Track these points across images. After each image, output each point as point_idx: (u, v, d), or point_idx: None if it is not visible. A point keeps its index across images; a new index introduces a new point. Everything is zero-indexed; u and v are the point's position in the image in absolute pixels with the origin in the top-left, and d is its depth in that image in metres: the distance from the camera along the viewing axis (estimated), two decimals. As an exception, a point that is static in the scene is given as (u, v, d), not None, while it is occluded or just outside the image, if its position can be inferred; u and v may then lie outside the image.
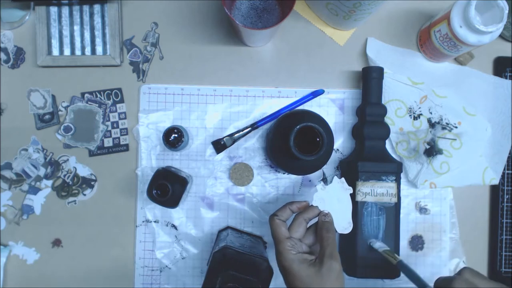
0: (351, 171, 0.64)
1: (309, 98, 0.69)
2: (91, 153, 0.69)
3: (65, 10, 0.67)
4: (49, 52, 0.67)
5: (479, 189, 0.70)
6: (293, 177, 0.69)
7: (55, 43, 0.67)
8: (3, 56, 0.69)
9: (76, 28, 0.68)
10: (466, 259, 0.69)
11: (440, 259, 0.69)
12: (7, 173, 0.68)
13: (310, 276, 0.49)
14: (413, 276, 0.54)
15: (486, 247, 0.70)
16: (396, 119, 0.69)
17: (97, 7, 0.67)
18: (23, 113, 0.68)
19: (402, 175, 0.67)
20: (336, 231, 0.55)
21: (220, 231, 0.68)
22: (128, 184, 0.69)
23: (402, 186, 0.67)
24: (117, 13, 0.67)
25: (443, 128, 0.68)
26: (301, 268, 0.49)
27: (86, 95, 0.69)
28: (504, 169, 0.69)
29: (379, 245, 0.61)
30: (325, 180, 0.69)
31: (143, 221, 0.68)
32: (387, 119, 0.68)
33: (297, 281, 0.49)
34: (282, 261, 0.51)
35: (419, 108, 0.69)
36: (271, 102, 0.69)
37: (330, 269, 0.49)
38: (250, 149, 0.69)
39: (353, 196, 0.62)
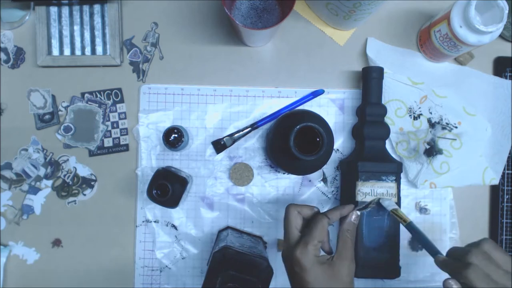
0: (351, 171, 0.64)
1: (309, 98, 0.69)
2: (91, 153, 0.69)
3: (65, 10, 0.67)
4: (49, 52, 0.67)
5: (479, 189, 0.70)
6: (293, 177, 0.69)
7: (55, 43, 0.67)
8: (3, 56, 0.69)
9: (76, 28, 0.68)
10: (466, 259, 0.69)
11: (440, 259, 0.69)
12: (7, 173, 0.68)
13: (327, 278, 0.50)
14: (423, 241, 0.52)
15: (486, 247, 0.70)
16: (396, 119, 0.69)
17: (97, 7, 0.67)
18: (23, 113, 0.68)
19: (402, 175, 0.67)
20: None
21: (220, 231, 0.68)
22: (128, 184, 0.69)
23: (402, 186, 0.67)
24: (117, 13, 0.67)
25: (443, 128, 0.68)
26: (321, 269, 0.50)
27: (86, 95, 0.69)
28: (504, 169, 0.69)
29: (388, 203, 0.59)
30: (325, 180, 0.70)
31: (143, 221, 0.68)
32: (387, 119, 0.68)
33: (313, 281, 0.49)
34: (303, 260, 0.50)
35: (419, 108, 0.69)
36: (271, 102, 0.69)
37: (349, 273, 0.50)
38: (250, 149, 0.69)
39: (353, 196, 0.62)
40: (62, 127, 0.68)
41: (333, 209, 0.55)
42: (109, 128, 0.69)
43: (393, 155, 0.68)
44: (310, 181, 0.70)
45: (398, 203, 0.63)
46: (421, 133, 0.68)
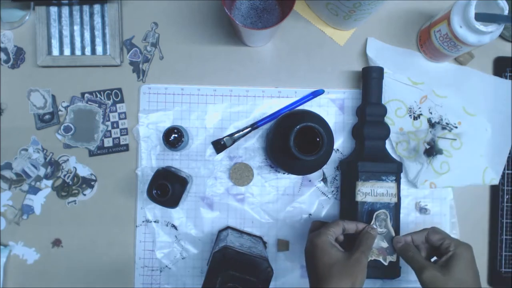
0: (351, 171, 0.64)
1: (309, 98, 0.69)
2: (91, 153, 0.69)
3: (65, 10, 0.67)
4: (49, 52, 0.67)
5: (479, 189, 0.70)
6: (293, 177, 0.69)
7: (55, 43, 0.67)
8: (3, 56, 0.69)
9: (76, 28, 0.68)
10: (466, 259, 0.69)
11: (440, 259, 0.69)
12: (7, 173, 0.68)
13: (337, 256, 0.54)
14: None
15: (486, 247, 0.70)
16: (396, 119, 0.69)
17: (97, 7, 0.67)
18: (23, 113, 0.68)
19: (402, 175, 0.67)
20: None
21: (220, 231, 0.68)
22: (128, 184, 0.69)
23: (402, 186, 0.67)
24: (117, 13, 0.67)
25: (443, 128, 0.68)
26: (333, 249, 0.54)
27: (86, 95, 0.69)
28: (504, 169, 0.69)
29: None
30: (325, 180, 0.70)
31: (143, 221, 0.68)
32: (387, 119, 0.68)
33: (325, 257, 0.54)
34: (316, 240, 0.55)
35: (419, 108, 0.69)
36: (271, 102, 0.69)
37: (358, 260, 0.53)
38: (250, 149, 0.69)
39: (353, 196, 0.62)
40: (62, 127, 0.68)
41: (351, 221, 0.60)
42: (109, 128, 0.69)
43: (393, 155, 0.68)
44: (310, 181, 0.70)
45: (398, 203, 0.63)
46: (421, 133, 0.68)
